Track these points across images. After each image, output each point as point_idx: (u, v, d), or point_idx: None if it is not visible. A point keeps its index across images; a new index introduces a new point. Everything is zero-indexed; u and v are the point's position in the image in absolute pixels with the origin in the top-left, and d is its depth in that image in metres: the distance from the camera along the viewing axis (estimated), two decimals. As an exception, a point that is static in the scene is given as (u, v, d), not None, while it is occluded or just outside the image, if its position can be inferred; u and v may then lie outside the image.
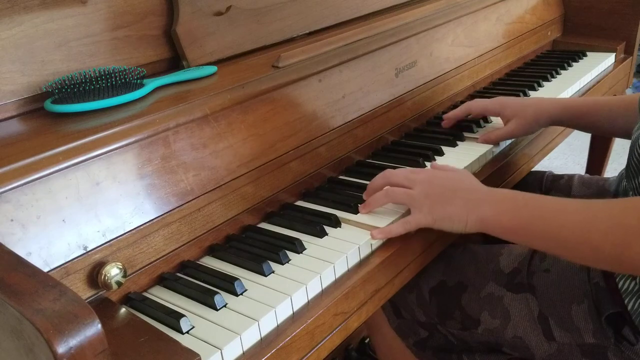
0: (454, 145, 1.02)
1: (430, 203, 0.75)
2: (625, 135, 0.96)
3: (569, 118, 1.01)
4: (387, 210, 0.81)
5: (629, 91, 1.61)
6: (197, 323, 0.62)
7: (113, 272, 0.63)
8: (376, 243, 0.76)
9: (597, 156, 1.68)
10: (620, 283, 0.74)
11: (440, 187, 0.76)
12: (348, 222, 0.80)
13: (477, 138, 1.03)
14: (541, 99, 1.05)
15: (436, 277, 0.89)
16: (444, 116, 1.10)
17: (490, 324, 0.83)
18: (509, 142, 1.06)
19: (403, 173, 0.80)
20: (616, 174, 1.05)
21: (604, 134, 1.12)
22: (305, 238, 0.76)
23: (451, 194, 0.75)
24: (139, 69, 0.78)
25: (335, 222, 0.79)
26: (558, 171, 1.19)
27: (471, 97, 1.27)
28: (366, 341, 1.22)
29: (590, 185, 1.07)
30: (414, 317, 0.93)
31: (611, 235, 0.61)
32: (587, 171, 1.74)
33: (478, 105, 1.06)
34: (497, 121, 1.10)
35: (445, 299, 0.88)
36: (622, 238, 0.61)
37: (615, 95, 1.51)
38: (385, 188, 0.79)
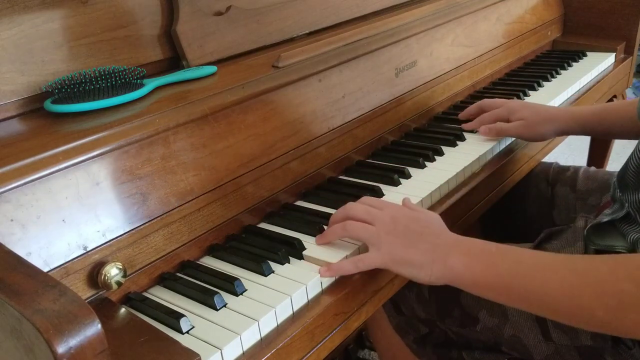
0: (454, 145, 1.02)
1: (391, 242, 0.68)
2: (637, 137, 0.96)
3: (580, 128, 1.02)
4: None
5: (628, 91, 1.61)
6: (197, 323, 0.62)
7: (113, 272, 0.63)
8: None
9: (598, 155, 1.68)
10: None
11: (404, 227, 0.69)
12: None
13: (477, 138, 1.03)
14: (552, 107, 1.06)
15: (436, 276, 0.89)
16: (460, 115, 1.10)
17: (489, 323, 0.83)
18: (509, 142, 1.06)
19: (365, 207, 0.72)
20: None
21: (614, 137, 1.12)
22: (305, 238, 0.76)
23: (416, 237, 0.68)
24: (139, 69, 0.78)
25: (335, 222, 0.79)
26: (562, 166, 1.18)
27: (471, 97, 1.27)
28: (363, 333, 1.23)
29: (595, 179, 1.07)
30: (414, 314, 0.93)
31: (602, 301, 0.57)
32: (587, 170, 1.74)
33: (491, 117, 1.05)
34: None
35: (444, 296, 0.88)
36: (616, 303, 0.56)
37: (615, 95, 1.51)
38: (344, 221, 0.72)
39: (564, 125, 1.01)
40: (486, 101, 1.09)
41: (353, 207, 0.73)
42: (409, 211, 0.73)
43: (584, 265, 0.60)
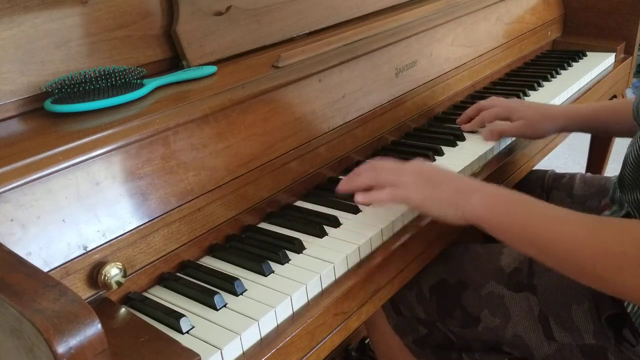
0: (454, 145, 1.02)
1: (419, 183, 0.74)
2: (632, 135, 0.97)
3: (578, 125, 1.02)
4: (384, 211, 0.80)
5: (628, 91, 1.61)
6: (197, 323, 0.62)
7: (113, 272, 0.63)
8: (376, 243, 0.76)
9: (597, 156, 1.68)
10: None
11: (429, 173, 0.76)
12: (348, 222, 0.80)
13: (477, 138, 1.03)
14: (551, 106, 1.06)
15: (437, 275, 0.90)
16: (458, 121, 1.10)
17: (491, 323, 0.83)
18: (508, 142, 1.06)
19: (391, 166, 0.79)
20: (616, 174, 1.05)
21: (612, 135, 1.13)
22: (305, 238, 0.76)
23: (440, 180, 0.74)
24: (139, 69, 0.78)
25: (335, 222, 0.79)
26: (559, 171, 1.19)
27: (471, 97, 1.27)
28: (366, 341, 1.22)
29: (592, 184, 1.07)
30: (414, 315, 0.93)
31: (604, 258, 0.59)
32: (587, 171, 1.74)
33: (490, 116, 1.05)
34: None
35: (445, 297, 0.88)
36: (616, 263, 0.58)
37: (615, 95, 1.51)
38: (380, 193, 0.77)
39: (563, 123, 1.02)
40: (483, 102, 1.08)
41: (381, 167, 0.79)
42: (429, 164, 0.81)
43: (595, 223, 0.63)
